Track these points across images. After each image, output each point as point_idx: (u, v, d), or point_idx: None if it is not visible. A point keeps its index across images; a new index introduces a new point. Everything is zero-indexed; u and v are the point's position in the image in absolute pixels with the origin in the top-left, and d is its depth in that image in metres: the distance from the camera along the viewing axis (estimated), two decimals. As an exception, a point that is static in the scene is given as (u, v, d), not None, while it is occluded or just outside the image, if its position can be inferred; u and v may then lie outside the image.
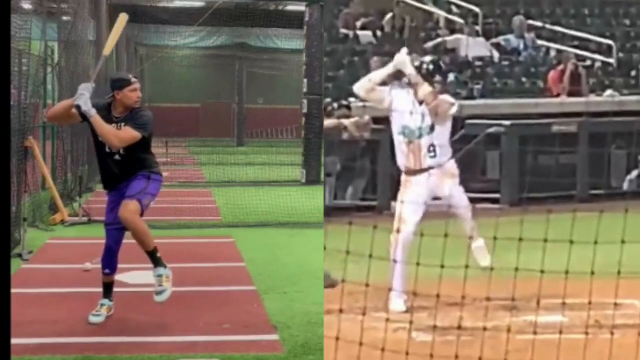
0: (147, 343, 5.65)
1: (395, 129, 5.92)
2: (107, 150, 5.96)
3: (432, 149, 5.84)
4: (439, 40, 11.41)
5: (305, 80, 18.40)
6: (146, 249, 5.90)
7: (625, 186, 10.38)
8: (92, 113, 5.73)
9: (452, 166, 5.95)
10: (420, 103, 5.87)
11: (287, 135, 40.95)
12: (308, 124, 18.48)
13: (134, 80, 5.99)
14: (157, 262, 5.92)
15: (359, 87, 5.93)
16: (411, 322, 5.17)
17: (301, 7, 19.56)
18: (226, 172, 19.37)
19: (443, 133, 5.90)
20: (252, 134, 40.42)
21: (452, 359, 4.61)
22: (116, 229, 6.05)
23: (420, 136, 5.85)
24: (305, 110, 18.52)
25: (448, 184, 5.87)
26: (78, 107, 5.74)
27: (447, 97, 5.99)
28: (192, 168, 22.83)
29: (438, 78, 5.94)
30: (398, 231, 5.74)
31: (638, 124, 10.39)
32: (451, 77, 10.69)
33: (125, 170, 6.00)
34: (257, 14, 24.56)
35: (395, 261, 5.67)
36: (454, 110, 5.94)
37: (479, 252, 5.87)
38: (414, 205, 5.80)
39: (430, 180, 5.85)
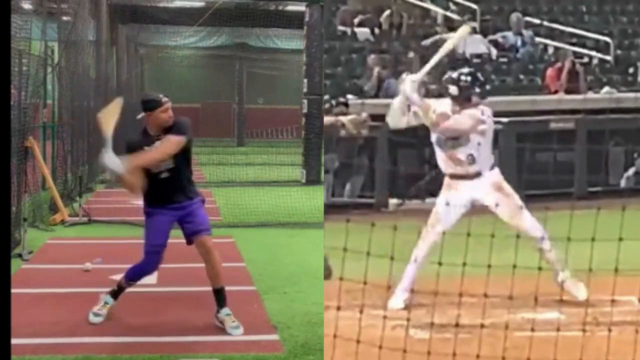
0: (147, 343, 5.67)
1: (432, 138, 5.91)
2: (154, 170, 5.83)
3: (470, 158, 5.79)
4: (437, 37, 11.39)
5: (305, 80, 18.41)
6: (217, 283, 5.96)
7: (623, 183, 10.38)
8: (122, 169, 5.49)
9: (497, 177, 5.86)
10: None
11: (287, 135, 40.91)
12: (308, 124, 18.49)
13: (164, 100, 5.84)
14: (222, 301, 6.00)
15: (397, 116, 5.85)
16: (409, 320, 5.20)
17: (301, 7, 19.57)
18: (226, 172, 19.36)
19: (485, 143, 5.83)
20: (252, 134, 40.39)
21: (450, 356, 4.64)
22: (159, 252, 5.99)
23: (453, 147, 5.81)
24: (305, 110, 18.53)
25: (494, 196, 5.78)
26: (112, 171, 5.53)
27: (473, 112, 5.82)
28: (192, 168, 22.78)
29: (477, 90, 5.84)
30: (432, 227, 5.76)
31: (635, 121, 10.42)
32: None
33: (175, 187, 5.95)
34: (257, 14, 24.57)
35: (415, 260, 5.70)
36: (482, 127, 5.80)
37: (570, 286, 5.78)
38: (453, 208, 5.78)
39: (474, 187, 5.81)
